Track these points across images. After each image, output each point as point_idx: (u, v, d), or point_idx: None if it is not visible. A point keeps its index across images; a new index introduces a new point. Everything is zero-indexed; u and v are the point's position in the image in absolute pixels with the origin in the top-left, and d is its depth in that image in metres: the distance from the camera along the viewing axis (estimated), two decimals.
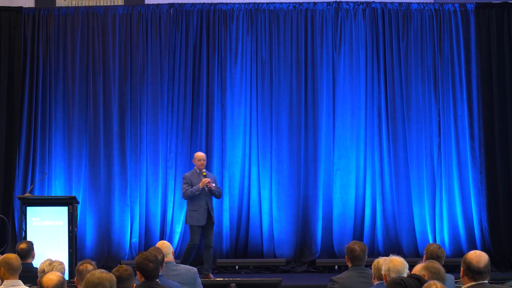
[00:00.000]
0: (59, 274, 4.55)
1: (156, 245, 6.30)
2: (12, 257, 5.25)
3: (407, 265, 4.80)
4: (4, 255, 5.33)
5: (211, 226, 9.31)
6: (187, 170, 10.73)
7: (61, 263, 5.35)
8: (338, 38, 10.98)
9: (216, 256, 10.48)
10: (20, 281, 5.17)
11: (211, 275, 9.27)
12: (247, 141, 10.92)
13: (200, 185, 9.18)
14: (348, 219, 10.68)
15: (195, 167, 9.43)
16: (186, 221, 9.51)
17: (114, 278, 3.90)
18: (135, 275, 4.71)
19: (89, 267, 4.75)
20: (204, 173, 9.28)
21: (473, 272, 4.34)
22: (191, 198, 9.25)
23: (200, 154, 9.51)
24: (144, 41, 10.98)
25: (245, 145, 10.89)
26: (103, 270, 3.94)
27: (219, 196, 9.58)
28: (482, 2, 11.01)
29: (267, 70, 10.98)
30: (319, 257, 10.64)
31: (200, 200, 9.23)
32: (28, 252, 6.47)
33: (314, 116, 10.89)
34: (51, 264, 5.28)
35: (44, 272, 5.11)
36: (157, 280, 5.05)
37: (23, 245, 6.56)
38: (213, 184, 9.27)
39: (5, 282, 5.13)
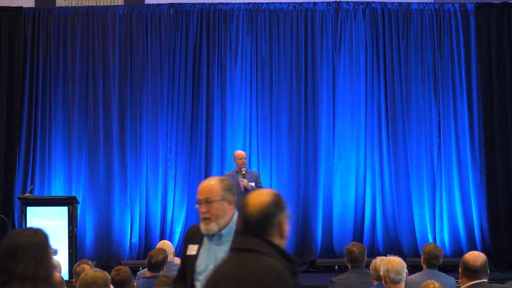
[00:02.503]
0: (57, 274, 4.55)
1: (158, 245, 6.33)
2: None
3: (405, 265, 4.82)
4: None
5: None
6: (187, 170, 10.76)
7: (58, 263, 5.34)
8: (338, 38, 10.98)
9: None
10: None
11: None
12: (247, 141, 10.90)
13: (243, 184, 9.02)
14: (348, 219, 10.67)
15: (236, 166, 9.34)
16: None
17: (108, 276, 3.90)
18: (134, 276, 4.73)
19: (86, 267, 4.75)
20: (243, 172, 9.13)
21: (470, 271, 4.37)
22: None
23: (236, 153, 9.36)
24: (144, 41, 10.97)
25: (245, 145, 10.87)
26: (97, 269, 3.93)
27: None
28: (482, 2, 11.00)
29: (267, 70, 10.97)
30: (319, 257, 10.62)
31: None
32: None
33: (314, 116, 10.89)
34: None
35: None
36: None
37: None
38: (250, 184, 9.07)
39: None
